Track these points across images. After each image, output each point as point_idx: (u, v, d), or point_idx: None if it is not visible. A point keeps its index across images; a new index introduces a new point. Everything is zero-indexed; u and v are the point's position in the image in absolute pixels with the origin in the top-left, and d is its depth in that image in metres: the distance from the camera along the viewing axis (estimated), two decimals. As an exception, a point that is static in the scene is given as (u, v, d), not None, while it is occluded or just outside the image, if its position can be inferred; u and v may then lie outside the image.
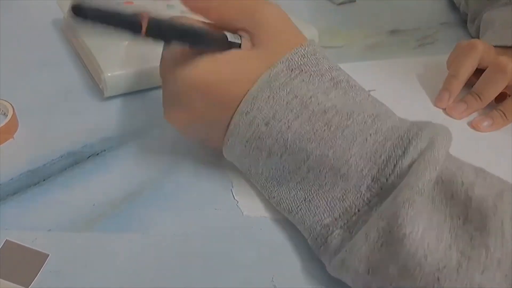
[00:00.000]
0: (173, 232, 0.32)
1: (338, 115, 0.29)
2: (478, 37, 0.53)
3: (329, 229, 0.28)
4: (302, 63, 0.31)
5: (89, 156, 0.38)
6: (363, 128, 0.28)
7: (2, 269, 0.29)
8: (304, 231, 0.30)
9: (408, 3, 0.66)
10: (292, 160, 0.30)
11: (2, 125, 0.38)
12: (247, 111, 0.30)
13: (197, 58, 0.30)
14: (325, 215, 0.28)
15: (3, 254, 0.30)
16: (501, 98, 0.43)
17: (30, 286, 0.28)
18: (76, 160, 0.37)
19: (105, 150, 0.38)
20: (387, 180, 0.27)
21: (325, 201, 0.29)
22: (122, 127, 0.41)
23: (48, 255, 0.30)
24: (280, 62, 0.30)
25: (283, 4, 0.57)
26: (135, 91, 0.45)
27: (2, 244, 0.30)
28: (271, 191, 0.32)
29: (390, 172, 0.27)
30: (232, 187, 0.35)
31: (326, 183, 0.29)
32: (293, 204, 0.30)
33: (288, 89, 0.30)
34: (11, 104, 0.40)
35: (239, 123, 0.30)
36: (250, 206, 0.34)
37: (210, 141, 0.34)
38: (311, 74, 0.30)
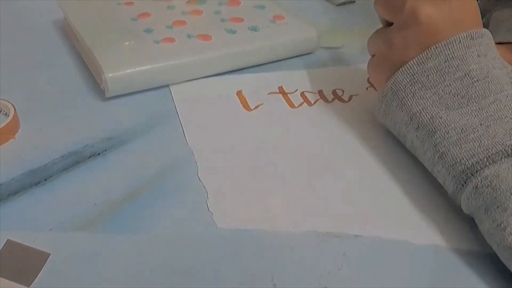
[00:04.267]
0: (173, 232, 0.32)
1: None
2: None
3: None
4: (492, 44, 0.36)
5: (90, 156, 0.38)
6: None
7: (4, 269, 0.29)
8: (478, 148, 0.32)
9: (408, 4, 0.66)
10: (484, 87, 0.34)
11: (3, 125, 0.39)
12: (474, 37, 0.35)
13: None
14: (506, 138, 0.31)
15: (4, 253, 0.30)
16: None
17: (31, 285, 0.28)
18: (77, 160, 0.37)
19: (106, 150, 0.39)
20: None
21: (504, 129, 0.32)
22: (123, 127, 0.41)
23: (49, 254, 0.30)
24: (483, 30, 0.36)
25: (283, 4, 0.57)
26: (136, 91, 0.45)
27: (4, 243, 0.30)
28: (437, 113, 0.34)
29: None
30: (207, 198, 0.35)
31: (506, 116, 0.32)
32: (467, 125, 0.33)
33: (495, 51, 0.36)
34: (12, 104, 0.40)
35: (461, 40, 0.35)
36: (225, 219, 0.33)
37: (412, 46, 0.37)
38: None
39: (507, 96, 0.33)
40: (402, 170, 0.38)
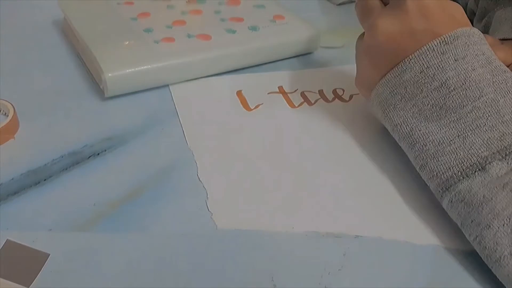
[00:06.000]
0: (173, 232, 0.32)
1: None
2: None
3: (487, 159, 0.31)
4: (485, 41, 0.36)
5: (90, 156, 0.38)
6: None
7: (3, 269, 0.29)
8: (453, 161, 0.32)
9: (408, 3, 0.65)
10: (461, 96, 0.33)
11: (3, 125, 0.38)
12: (447, 42, 0.34)
13: None
14: (482, 149, 0.31)
15: (4, 253, 0.30)
16: None
17: (31, 286, 0.28)
18: (76, 160, 0.37)
19: (105, 150, 0.39)
20: None
21: (481, 139, 0.32)
22: (123, 127, 0.41)
23: (49, 254, 0.30)
24: (476, 30, 0.36)
25: (283, 4, 0.57)
26: (136, 91, 0.45)
27: (3, 244, 0.30)
28: (416, 125, 0.35)
29: None
30: (207, 198, 0.35)
31: (485, 124, 0.32)
32: (445, 137, 0.33)
33: (478, 47, 0.34)
34: (12, 104, 0.40)
35: (434, 48, 0.34)
36: (225, 219, 0.33)
37: (382, 61, 0.37)
38: (490, 49, 0.35)
39: (485, 102, 0.32)
40: (403, 171, 0.38)
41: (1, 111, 0.41)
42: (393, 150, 0.39)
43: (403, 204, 0.35)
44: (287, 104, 0.45)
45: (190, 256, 0.31)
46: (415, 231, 0.33)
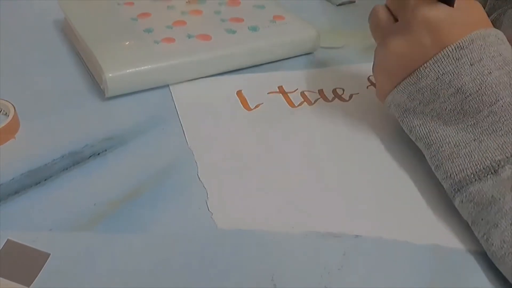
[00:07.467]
0: (173, 232, 0.32)
1: None
2: None
3: (500, 163, 0.31)
4: (504, 39, 0.36)
5: (90, 156, 0.38)
6: None
7: (4, 268, 0.29)
8: (467, 163, 0.32)
9: (408, 3, 0.66)
10: (477, 101, 0.33)
11: (3, 125, 0.39)
12: (462, 46, 0.34)
13: (433, 3, 0.36)
14: (496, 153, 0.32)
15: (5, 253, 0.30)
16: None
17: (31, 285, 0.28)
18: (77, 160, 0.37)
19: (106, 150, 0.39)
20: None
21: (496, 143, 0.32)
22: (123, 127, 0.41)
23: (49, 254, 0.30)
24: (492, 30, 0.35)
25: (283, 4, 0.57)
26: (136, 91, 0.45)
27: (4, 243, 0.30)
28: (434, 128, 0.35)
29: None
30: (207, 198, 0.35)
31: (501, 128, 0.32)
32: (461, 140, 0.33)
33: (495, 48, 0.34)
34: (12, 104, 0.40)
35: (449, 54, 0.34)
36: (225, 219, 0.33)
37: (396, 74, 0.37)
38: (509, 48, 0.35)
39: (502, 107, 0.33)
40: (402, 170, 0.38)
41: (2, 111, 0.41)
42: (392, 150, 0.39)
43: (403, 204, 0.35)
44: (287, 104, 0.45)
45: (190, 256, 0.31)
46: (415, 231, 0.33)
